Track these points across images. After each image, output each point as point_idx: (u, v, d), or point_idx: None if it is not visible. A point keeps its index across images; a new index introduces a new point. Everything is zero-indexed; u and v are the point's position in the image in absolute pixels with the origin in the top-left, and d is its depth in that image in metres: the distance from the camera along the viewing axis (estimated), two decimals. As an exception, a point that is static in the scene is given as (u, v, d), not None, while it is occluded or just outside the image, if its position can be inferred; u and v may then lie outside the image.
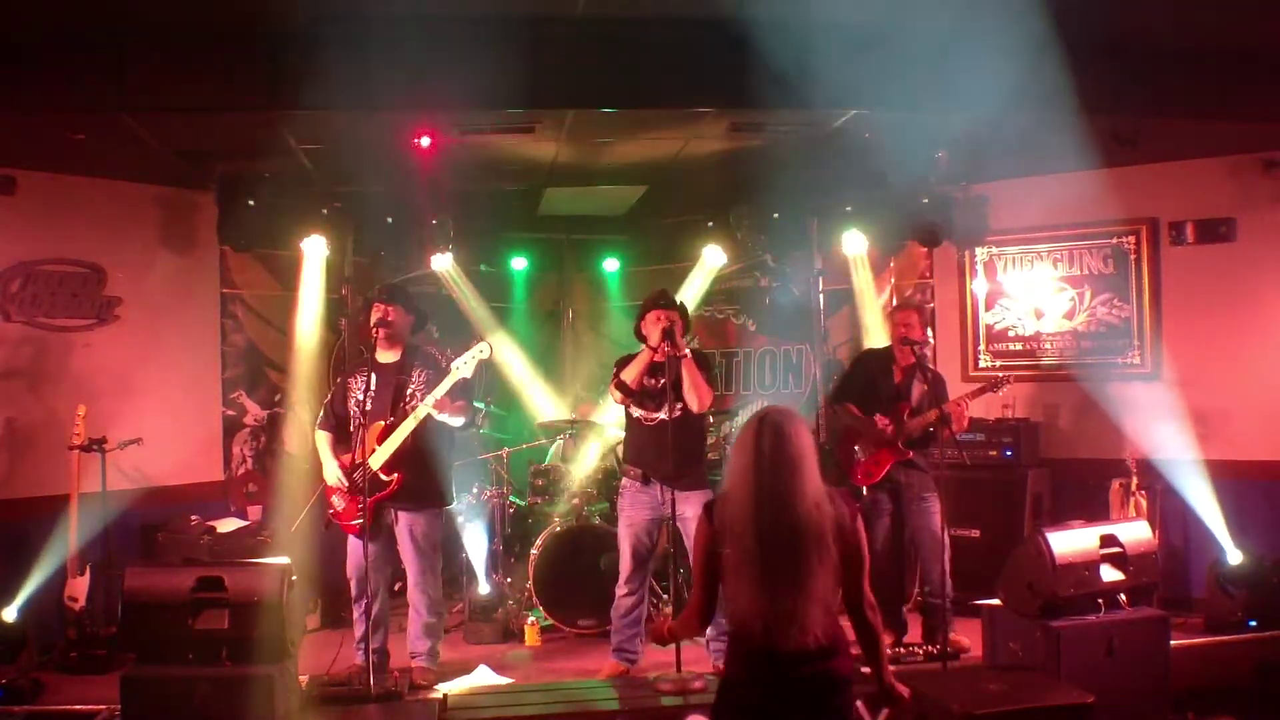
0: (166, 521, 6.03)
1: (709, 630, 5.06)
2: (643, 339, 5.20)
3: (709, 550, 2.99)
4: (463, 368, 4.93)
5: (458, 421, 5.05)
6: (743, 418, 7.71)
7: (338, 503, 5.07)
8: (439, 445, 5.10)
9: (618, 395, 5.20)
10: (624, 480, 5.29)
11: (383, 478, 4.92)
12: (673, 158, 6.32)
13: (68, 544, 5.47)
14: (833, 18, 4.49)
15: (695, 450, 5.22)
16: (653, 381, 5.14)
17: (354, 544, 5.07)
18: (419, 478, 5.00)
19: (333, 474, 5.06)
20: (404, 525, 5.02)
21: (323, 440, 5.17)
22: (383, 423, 4.96)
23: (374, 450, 4.90)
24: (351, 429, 5.05)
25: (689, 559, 5.21)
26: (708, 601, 3.05)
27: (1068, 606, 4.42)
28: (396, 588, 5.49)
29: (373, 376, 4.93)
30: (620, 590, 5.20)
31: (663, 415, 5.06)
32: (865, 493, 5.51)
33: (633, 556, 5.16)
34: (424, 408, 4.90)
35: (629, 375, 5.13)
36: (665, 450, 4.95)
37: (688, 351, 5.09)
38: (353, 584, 5.09)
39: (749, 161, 6.32)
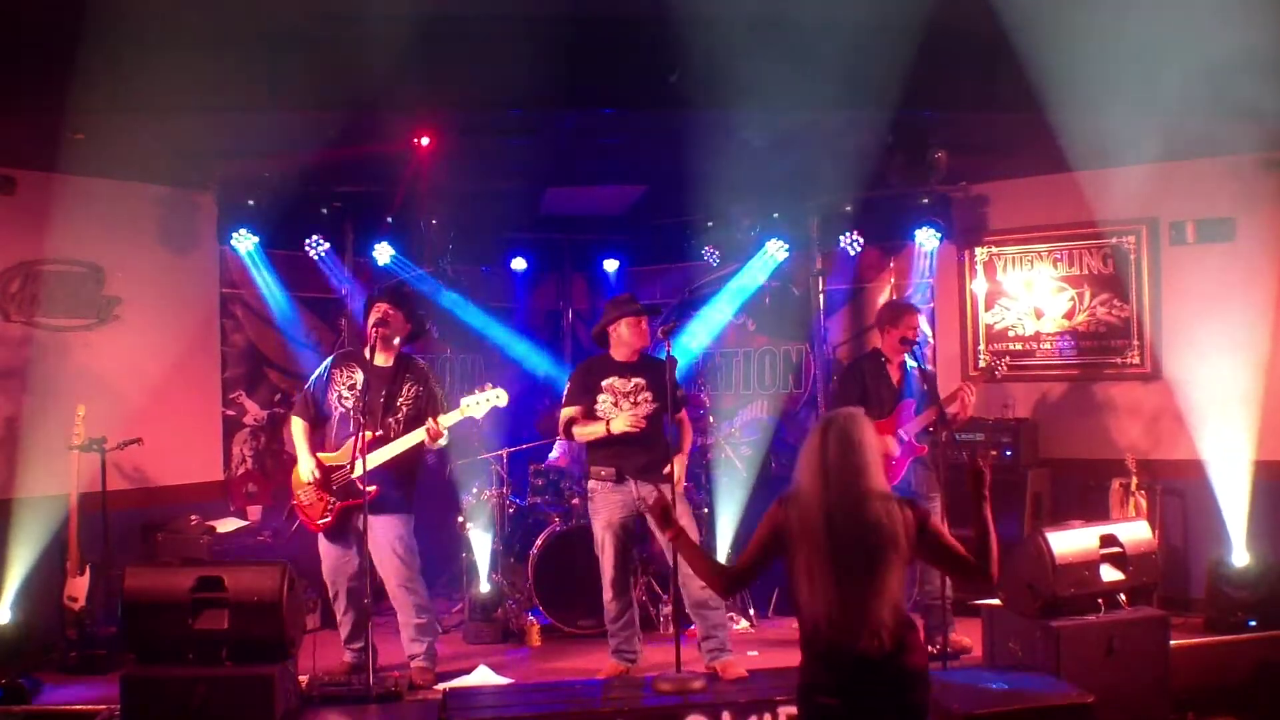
0: (166, 521, 6.04)
1: (699, 631, 5.05)
2: (605, 344, 5.13)
3: (774, 533, 3.05)
4: (473, 408, 4.93)
5: (438, 445, 5.03)
6: (741, 417, 7.71)
7: (304, 496, 5.05)
8: (417, 461, 5.15)
9: (563, 435, 5.19)
10: (592, 483, 5.12)
11: (359, 487, 4.76)
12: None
13: (67, 544, 5.46)
14: (832, 18, 4.49)
15: (665, 444, 5.03)
16: (624, 389, 5.08)
17: (325, 546, 5.09)
18: (394, 489, 4.99)
19: (307, 470, 5.02)
20: (378, 531, 4.92)
21: (299, 429, 5.13)
22: (370, 434, 4.84)
23: (356, 457, 4.73)
24: (333, 421, 5.05)
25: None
26: (745, 573, 3.19)
27: (1068, 606, 4.43)
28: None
29: (361, 375, 4.93)
30: (606, 595, 5.10)
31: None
32: None
33: (615, 556, 5.05)
34: (421, 433, 4.90)
35: (579, 434, 5.08)
36: (638, 452, 4.94)
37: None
38: (329, 585, 5.12)
39: (749, 161, 6.30)
